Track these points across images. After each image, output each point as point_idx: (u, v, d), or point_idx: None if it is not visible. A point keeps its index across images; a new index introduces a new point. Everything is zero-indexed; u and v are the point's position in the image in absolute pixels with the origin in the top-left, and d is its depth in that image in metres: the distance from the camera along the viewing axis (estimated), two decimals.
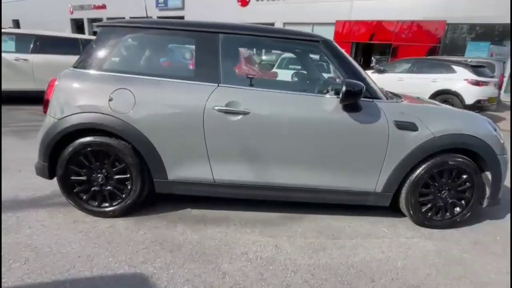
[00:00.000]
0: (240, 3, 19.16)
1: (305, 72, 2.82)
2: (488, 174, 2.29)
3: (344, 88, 1.94)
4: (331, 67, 2.32)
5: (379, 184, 2.24)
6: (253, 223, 2.28)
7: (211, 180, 2.18)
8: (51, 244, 1.90)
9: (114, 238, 2.00)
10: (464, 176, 2.26)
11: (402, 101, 2.31)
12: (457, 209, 2.35)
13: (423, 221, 2.34)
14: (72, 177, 2.16)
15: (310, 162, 2.16)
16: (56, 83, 2.08)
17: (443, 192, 2.29)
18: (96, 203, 2.21)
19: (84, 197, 2.20)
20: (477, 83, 7.40)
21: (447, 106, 2.70)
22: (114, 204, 2.22)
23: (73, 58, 3.44)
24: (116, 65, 2.17)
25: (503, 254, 2.10)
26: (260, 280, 1.71)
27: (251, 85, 2.19)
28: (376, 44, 14.90)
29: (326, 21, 15.90)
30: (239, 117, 2.05)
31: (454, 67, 7.75)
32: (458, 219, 2.36)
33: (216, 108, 2.04)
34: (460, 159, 2.21)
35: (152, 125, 2.05)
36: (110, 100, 2.03)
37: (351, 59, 2.28)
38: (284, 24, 17.53)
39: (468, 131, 2.19)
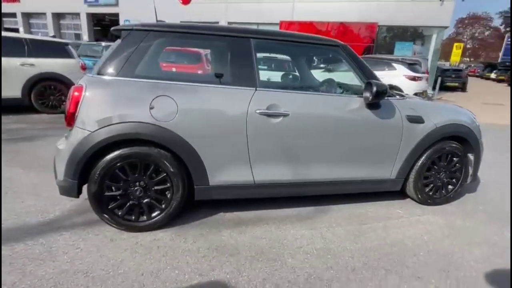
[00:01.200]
0: (181, 1, 18.59)
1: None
2: (471, 156, 2.78)
3: (374, 89, 2.17)
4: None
5: (393, 171, 2.55)
6: (288, 220, 2.40)
7: (252, 181, 2.24)
8: (103, 267, 1.76)
9: (166, 251, 1.93)
10: (456, 159, 2.71)
11: (408, 98, 2.65)
12: (450, 187, 2.79)
13: (426, 200, 2.72)
14: (107, 193, 2.00)
15: (339, 157, 2.37)
16: (85, 93, 1.90)
17: (441, 173, 2.71)
18: (133, 217, 2.09)
19: (120, 213, 2.06)
20: (413, 78, 8.53)
21: (437, 101, 3.15)
22: (153, 216, 2.12)
23: None
24: (150, 71, 2.07)
25: (491, 220, 2.58)
26: (328, 268, 1.85)
27: (285, 87, 2.30)
28: None
29: (270, 21, 16.40)
30: (280, 118, 2.15)
31: (394, 64, 8.79)
32: (451, 195, 2.81)
33: (258, 111, 2.10)
34: (454, 145, 2.64)
35: (196, 132, 2.02)
36: (152, 108, 1.94)
37: (364, 61, 2.53)
38: (229, 23, 17.59)
39: (459, 121, 2.63)
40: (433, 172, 2.68)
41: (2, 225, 2.11)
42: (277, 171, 2.26)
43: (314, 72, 3.17)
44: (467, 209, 2.75)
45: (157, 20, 2.25)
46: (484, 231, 2.39)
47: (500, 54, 30.75)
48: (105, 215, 2.04)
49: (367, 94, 2.27)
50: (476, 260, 2.01)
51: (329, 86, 2.68)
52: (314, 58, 2.81)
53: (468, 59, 47.39)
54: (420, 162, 2.58)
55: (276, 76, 6.31)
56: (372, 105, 2.34)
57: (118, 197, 2.04)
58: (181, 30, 2.12)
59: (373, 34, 14.10)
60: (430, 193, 2.72)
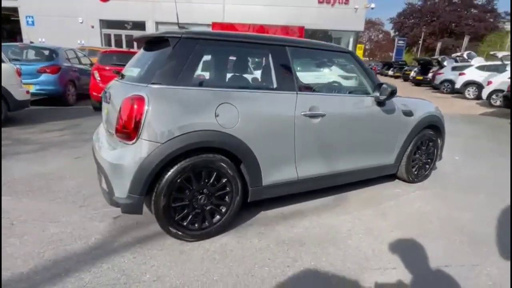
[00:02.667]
0: None
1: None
2: (439, 140, 3.49)
3: (389, 89, 2.60)
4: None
5: (393, 157, 3.05)
6: (323, 209, 2.67)
7: (296, 178, 2.43)
8: (196, 278, 1.76)
9: (242, 253, 2.01)
10: (431, 143, 3.37)
11: (398, 96, 3.18)
12: (427, 166, 3.46)
13: (414, 179, 3.32)
14: (173, 205, 1.96)
15: (361, 148, 2.75)
16: (149, 104, 1.82)
17: (422, 156, 3.33)
18: (197, 226, 2.08)
19: (185, 223, 2.03)
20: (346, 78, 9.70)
21: (414, 98, 3.71)
22: (214, 222, 2.14)
23: None
24: (206, 79, 2.07)
25: (460, 188, 3.30)
26: (381, 243, 2.19)
27: (316, 90, 2.55)
28: None
29: (201, 22, 16.34)
30: (319, 119, 2.40)
31: None
32: (428, 173, 3.47)
33: (302, 113, 2.32)
34: (430, 132, 3.29)
35: (254, 136, 2.13)
36: (217, 116, 1.97)
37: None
38: (157, 23, 16.85)
39: (433, 112, 3.28)
40: (417, 156, 3.29)
41: (45, 257, 1.86)
42: (316, 166, 2.51)
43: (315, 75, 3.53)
44: (442, 183, 3.44)
45: (178, 25, 2.20)
46: (461, 197, 3.07)
47: (393, 54, 36.37)
48: (171, 228, 1.99)
49: (378, 94, 2.69)
50: (469, 220, 2.61)
51: (344, 87, 3.04)
52: (330, 62, 3.11)
53: (367, 58, 54.85)
54: (409, 148, 3.14)
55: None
56: (381, 103, 2.78)
57: (185, 208, 2.01)
58: (228, 39, 2.18)
59: (302, 37, 15.31)
60: (415, 173, 3.33)
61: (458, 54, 15.43)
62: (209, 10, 15.84)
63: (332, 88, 2.81)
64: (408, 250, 2.11)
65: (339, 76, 2.86)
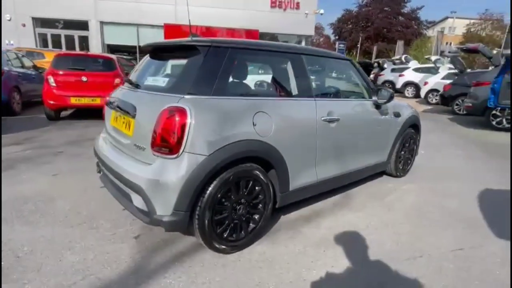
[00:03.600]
0: None
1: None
2: (418, 137, 3.89)
3: (388, 94, 2.84)
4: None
5: (386, 155, 3.33)
6: (336, 209, 2.80)
7: (316, 180, 2.53)
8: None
9: (284, 258, 2.03)
10: (412, 141, 3.74)
11: None
12: (409, 161, 3.83)
13: (400, 174, 3.65)
14: (215, 218, 1.91)
15: (366, 148, 2.96)
16: (192, 116, 1.74)
17: (405, 152, 3.68)
18: (235, 237, 2.05)
19: (225, 235, 1.99)
20: None
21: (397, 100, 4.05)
22: (250, 231, 2.13)
23: None
24: (237, 89, 2.05)
25: (440, 179, 3.72)
26: (399, 234, 2.39)
27: (327, 96, 2.67)
28: None
29: (152, 23, 15.66)
30: (335, 123, 2.53)
31: None
32: (409, 168, 3.85)
33: (322, 118, 2.42)
34: (412, 130, 3.65)
35: (284, 143, 2.16)
36: (255, 125, 1.97)
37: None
38: (102, 23, 15.70)
39: (414, 113, 3.65)
40: (403, 152, 3.63)
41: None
42: (331, 167, 2.64)
43: None
44: (419, 175, 3.84)
45: (190, 31, 2.13)
46: (442, 187, 3.46)
47: None
48: (215, 243, 1.94)
49: (376, 98, 2.93)
50: (458, 207, 2.98)
51: (348, 92, 3.21)
52: (334, 69, 3.26)
53: None
54: (397, 145, 3.46)
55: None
56: (378, 106, 3.02)
57: (225, 220, 1.97)
58: (254, 47, 2.20)
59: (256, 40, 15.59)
60: (401, 168, 3.67)
61: (397, 57, 17.14)
62: (161, 11, 15.24)
63: (339, 93, 2.97)
64: (425, 240, 2.34)
65: (342, 82, 3.04)
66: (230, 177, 1.90)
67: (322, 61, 2.95)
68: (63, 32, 15.89)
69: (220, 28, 15.34)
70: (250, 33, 15.28)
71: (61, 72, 6.13)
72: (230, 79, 2.03)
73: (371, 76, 19.15)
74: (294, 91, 2.35)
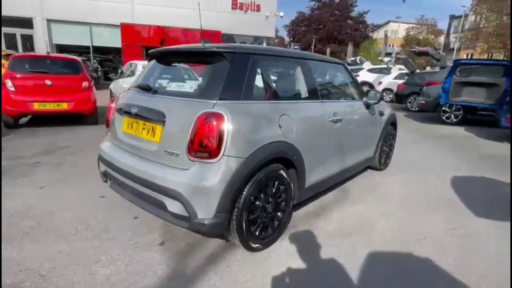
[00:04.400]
0: None
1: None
2: (395, 132, 4.29)
3: (378, 95, 3.13)
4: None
5: (373, 150, 3.65)
6: (338, 203, 3.02)
7: (324, 177, 2.71)
8: (300, 283, 1.85)
9: (313, 250, 2.17)
10: (391, 137, 4.12)
11: None
12: (389, 155, 4.21)
13: (382, 168, 4.01)
14: (250, 217, 1.99)
15: (360, 144, 3.22)
16: (229, 121, 1.80)
17: (386, 147, 4.05)
18: (263, 234, 2.14)
19: (257, 234, 2.08)
20: None
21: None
22: (275, 228, 2.24)
23: None
24: (261, 93, 2.13)
25: (417, 170, 4.14)
26: (403, 220, 2.67)
27: (330, 98, 2.87)
28: None
29: (107, 22, 14.84)
30: (339, 123, 2.74)
31: None
32: (389, 162, 4.23)
33: (330, 119, 2.61)
34: (391, 127, 4.03)
35: (303, 143, 2.31)
36: (281, 127, 2.08)
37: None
38: (49, 21, 14.47)
39: (392, 112, 4.03)
40: (384, 147, 3.99)
41: None
42: (336, 163, 2.85)
43: None
44: (396, 168, 4.24)
45: (202, 37, 2.17)
46: (419, 177, 3.88)
47: None
48: (251, 242, 2.02)
49: (366, 99, 3.21)
50: (439, 193, 3.38)
51: (343, 94, 3.43)
52: (330, 73, 3.43)
53: None
54: (381, 141, 3.80)
55: None
56: (368, 106, 3.31)
57: (258, 219, 2.05)
58: (272, 54, 2.31)
59: (219, 41, 15.52)
60: (383, 162, 4.03)
61: (352, 58, 18.29)
62: (117, 9, 14.49)
63: (339, 95, 3.19)
64: (422, 224, 2.64)
65: (338, 84, 3.27)
66: (262, 178, 1.99)
67: (322, 65, 3.15)
68: (20, 31, 14.32)
69: (181, 29, 15.04)
70: (212, 34, 15.18)
71: (19, 76, 5.61)
72: (255, 83, 2.11)
73: None
74: (305, 94, 2.51)
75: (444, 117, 8.00)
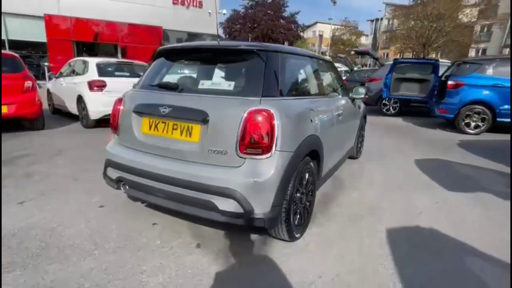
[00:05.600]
0: None
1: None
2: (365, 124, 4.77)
3: (364, 90, 3.47)
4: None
5: (354, 141, 4.03)
6: (338, 189, 3.28)
7: (331, 165, 2.93)
8: (344, 265, 2.02)
9: (343, 234, 2.36)
10: (363, 128, 4.58)
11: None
12: (361, 144, 4.66)
13: (358, 156, 4.43)
14: (293, 208, 2.08)
15: (348, 136, 3.53)
16: (278, 118, 1.85)
17: (360, 137, 4.48)
18: (297, 223, 2.24)
19: (296, 223, 2.18)
20: None
21: None
22: (306, 217, 2.36)
23: None
24: (291, 90, 2.21)
25: (380, 156, 4.67)
26: (397, 201, 3.04)
27: (332, 93, 3.10)
28: (102, 44, 14.42)
29: (27, 13, 12.97)
30: (340, 117, 2.99)
31: None
32: (361, 150, 4.69)
33: (336, 113, 2.84)
34: (364, 120, 4.48)
35: (324, 136, 2.47)
36: (311, 121, 2.21)
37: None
38: None
39: (364, 106, 4.48)
40: (360, 139, 4.41)
41: None
42: (338, 153, 3.10)
43: None
44: (365, 156, 4.72)
45: (218, 36, 2.14)
46: (389, 163, 4.40)
47: None
48: (294, 232, 2.11)
49: (351, 94, 3.54)
50: (412, 174, 3.90)
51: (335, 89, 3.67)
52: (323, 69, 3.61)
53: None
54: (359, 132, 4.21)
55: None
56: (353, 100, 3.64)
57: (297, 210, 2.15)
58: (293, 52, 2.41)
59: (160, 37, 14.82)
60: (358, 150, 4.46)
61: None
62: (40, 0, 12.75)
63: (336, 91, 3.42)
64: (413, 201, 3.05)
65: (329, 80, 3.51)
66: (301, 170, 2.10)
67: (324, 63, 3.35)
68: None
69: (122, 23, 13.94)
70: (153, 30, 14.44)
71: None
72: (286, 80, 2.20)
73: None
74: (320, 90, 2.69)
75: (384, 109, 9.05)
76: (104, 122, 6.10)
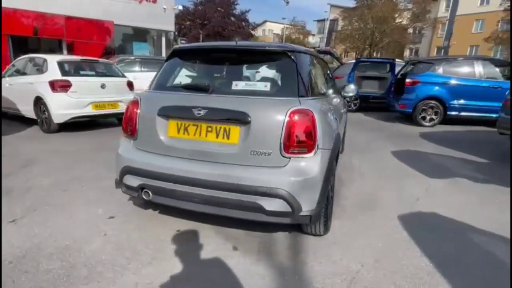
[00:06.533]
0: None
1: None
2: None
3: (355, 88, 3.70)
4: None
5: (342, 135, 4.27)
6: (337, 183, 3.47)
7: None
8: (374, 253, 2.17)
9: (365, 225, 2.52)
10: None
11: None
12: (344, 138, 4.94)
13: (342, 150, 4.70)
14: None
15: (343, 132, 3.74)
16: (317, 118, 1.92)
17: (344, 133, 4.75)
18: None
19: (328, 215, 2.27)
20: None
21: None
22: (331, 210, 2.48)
23: None
24: (315, 89, 2.29)
25: (359, 149, 5.01)
26: (392, 190, 3.32)
27: (335, 92, 3.25)
28: (44, 40, 12.93)
29: None
30: (343, 114, 3.16)
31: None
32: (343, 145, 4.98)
33: (341, 111, 3.01)
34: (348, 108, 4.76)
35: (340, 132, 2.62)
36: (336, 120, 2.33)
37: None
38: None
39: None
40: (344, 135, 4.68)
41: None
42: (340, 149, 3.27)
43: None
44: (350, 148, 5.03)
45: (236, 39, 2.12)
46: (372, 155, 4.74)
47: None
48: (329, 224, 2.21)
49: (343, 92, 3.76)
50: (393, 164, 4.26)
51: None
52: None
53: None
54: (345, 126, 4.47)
55: None
56: (345, 97, 3.86)
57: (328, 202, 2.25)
58: (309, 52, 2.49)
59: (111, 32, 13.83)
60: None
61: None
62: None
63: (331, 87, 3.58)
64: (407, 190, 3.35)
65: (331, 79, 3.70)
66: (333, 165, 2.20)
67: (323, 62, 3.47)
68: None
69: (68, 17, 12.65)
70: (103, 25, 13.42)
71: None
72: (312, 81, 2.27)
73: None
74: (327, 88, 2.82)
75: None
76: (69, 127, 5.59)
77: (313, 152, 1.92)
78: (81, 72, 5.70)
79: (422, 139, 5.94)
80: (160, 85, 2.34)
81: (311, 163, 1.92)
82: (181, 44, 22.69)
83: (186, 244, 2.16)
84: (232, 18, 41.27)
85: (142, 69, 9.04)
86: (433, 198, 3.11)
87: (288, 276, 1.87)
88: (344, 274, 1.89)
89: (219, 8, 39.91)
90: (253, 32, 43.58)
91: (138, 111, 2.22)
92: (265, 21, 54.84)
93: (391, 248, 2.20)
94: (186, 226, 2.39)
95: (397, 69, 8.28)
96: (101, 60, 6.26)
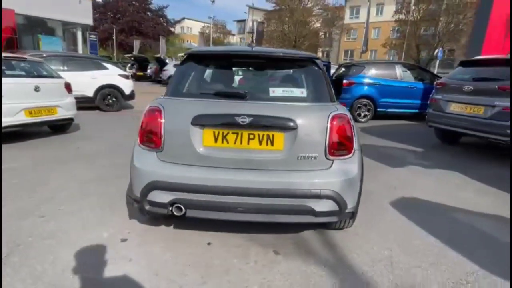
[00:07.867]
0: None
1: None
2: None
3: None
4: None
5: None
6: None
7: None
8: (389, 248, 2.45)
9: (387, 220, 2.80)
10: None
11: None
12: None
13: None
14: None
15: None
16: (351, 121, 2.08)
17: None
18: None
19: None
20: (127, 77, 9.29)
21: None
22: None
23: None
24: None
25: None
26: (393, 177, 3.75)
27: None
28: None
29: None
30: None
31: (105, 64, 8.93)
32: None
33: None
34: None
35: None
36: None
37: None
38: None
39: None
40: None
41: None
42: None
43: None
44: None
45: (252, 41, 2.09)
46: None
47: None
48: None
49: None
50: (378, 153, 4.74)
51: None
52: None
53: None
54: None
55: None
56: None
57: None
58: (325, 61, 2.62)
59: (13, 23, 11.61)
60: None
61: (181, 54, 18.57)
62: None
63: None
64: (384, 179, 3.82)
65: None
66: None
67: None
68: None
69: None
70: (2, 14, 11.18)
71: None
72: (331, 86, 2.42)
73: (148, 71, 19.70)
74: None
75: None
76: None
77: (352, 153, 2.08)
78: (8, 72, 4.70)
79: (364, 134, 6.73)
80: (181, 91, 2.18)
81: (352, 164, 2.08)
82: (91, 38, 20.40)
83: (226, 258, 2.08)
84: (149, 14, 38.91)
85: (65, 68, 7.91)
86: (406, 185, 3.63)
87: (341, 270, 1.99)
88: (382, 260, 2.11)
89: (133, 2, 37.14)
90: (172, 29, 41.93)
91: (163, 120, 2.03)
92: (183, 18, 53.33)
93: (402, 234, 2.51)
94: (213, 238, 2.29)
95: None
96: (29, 58, 5.24)
